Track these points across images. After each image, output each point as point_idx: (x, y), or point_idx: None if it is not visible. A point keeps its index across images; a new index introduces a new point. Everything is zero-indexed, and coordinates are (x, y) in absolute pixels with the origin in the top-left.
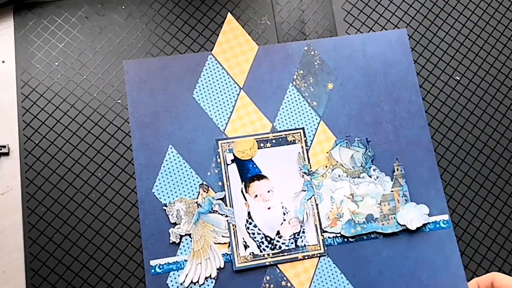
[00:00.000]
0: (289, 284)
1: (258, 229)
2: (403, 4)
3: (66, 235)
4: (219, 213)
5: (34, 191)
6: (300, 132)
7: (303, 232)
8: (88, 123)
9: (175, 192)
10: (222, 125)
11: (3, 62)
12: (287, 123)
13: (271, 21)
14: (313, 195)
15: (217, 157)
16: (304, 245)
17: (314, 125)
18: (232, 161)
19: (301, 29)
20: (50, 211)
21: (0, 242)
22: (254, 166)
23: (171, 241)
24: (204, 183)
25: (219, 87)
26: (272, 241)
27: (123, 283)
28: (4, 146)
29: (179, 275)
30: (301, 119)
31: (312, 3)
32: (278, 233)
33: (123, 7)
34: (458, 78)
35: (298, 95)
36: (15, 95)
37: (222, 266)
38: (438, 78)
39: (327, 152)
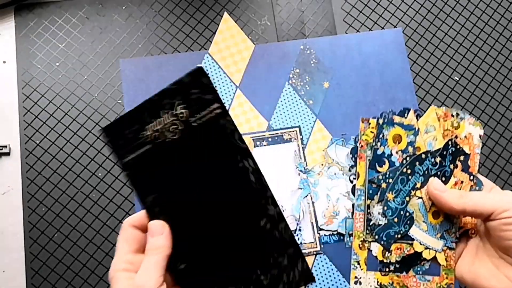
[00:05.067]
0: None
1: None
2: (402, 5)
3: (66, 235)
4: None
5: (34, 191)
6: (296, 131)
7: (299, 229)
8: (88, 123)
9: None
10: None
11: (4, 62)
12: (283, 122)
13: (271, 22)
14: (309, 193)
15: None
16: (301, 243)
17: (310, 123)
18: None
19: (301, 29)
20: (50, 211)
21: (1, 242)
22: None
23: None
24: None
25: (216, 86)
26: None
27: None
28: (5, 146)
29: None
30: (297, 118)
31: (311, 4)
32: None
33: (124, 7)
34: (457, 79)
35: (294, 94)
36: (16, 95)
37: None
38: (437, 78)
39: (323, 150)
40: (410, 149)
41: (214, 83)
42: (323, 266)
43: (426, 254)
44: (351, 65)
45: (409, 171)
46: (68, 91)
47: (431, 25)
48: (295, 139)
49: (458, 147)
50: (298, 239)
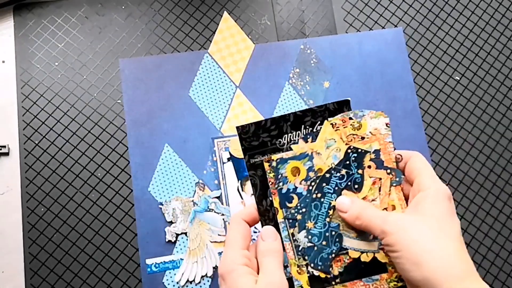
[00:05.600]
0: None
1: (254, 227)
2: (403, 4)
3: (65, 235)
4: (215, 212)
5: (34, 191)
6: None
7: None
8: (88, 123)
9: (171, 190)
10: (218, 124)
11: (3, 62)
12: None
13: (271, 21)
14: None
15: (213, 155)
16: None
17: None
18: (228, 159)
19: (301, 29)
20: (49, 211)
21: (0, 242)
22: None
23: (167, 240)
24: (200, 181)
25: (215, 86)
26: None
27: (122, 283)
28: (4, 146)
29: (175, 274)
30: None
31: (312, 3)
32: None
33: (123, 7)
34: (458, 78)
35: (294, 94)
36: (15, 95)
37: (218, 265)
38: (438, 78)
39: None
40: (312, 174)
41: (214, 83)
42: None
43: (365, 258)
44: (351, 65)
45: (319, 195)
46: (67, 91)
47: (432, 25)
48: None
49: (359, 150)
50: None
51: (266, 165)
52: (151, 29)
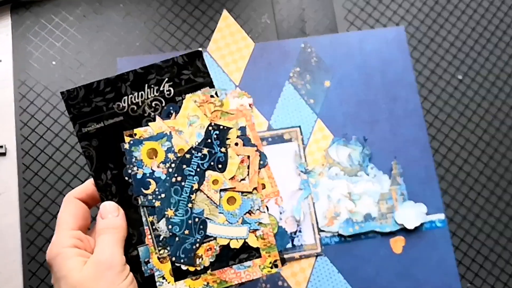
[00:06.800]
0: (285, 284)
1: None
2: (405, 3)
3: None
4: None
5: (31, 191)
6: (296, 130)
7: (300, 231)
8: None
9: None
10: None
11: (0, 61)
12: (283, 121)
13: (271, 20)
14: (310, 194)
15: None
16: (301, 245)
17: (310, 123)
18: None
19: (302, 27)
20: (47, 212)
21: None
22: None
23: None
24: None
25: (214, 85)
26: None
27: None
28: (1, 146)
29: None
30: (297, 117)
31: (312, 2)
32: None
33: (121, 5)
34: (461, 77)
35: (294, 93)
36: (12, 94)
37: None
38: (440, 77)
39: (324, 151)
40: (171, 156)
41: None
42: (323, 268)
43: (234, 244)
44: (352, 64)
45: (179, 178)
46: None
47: (434, 23)
48: (296, 139)
49: (221, 127)
50: (299, 240)
51: (127, 139)
52: (150, 27)
